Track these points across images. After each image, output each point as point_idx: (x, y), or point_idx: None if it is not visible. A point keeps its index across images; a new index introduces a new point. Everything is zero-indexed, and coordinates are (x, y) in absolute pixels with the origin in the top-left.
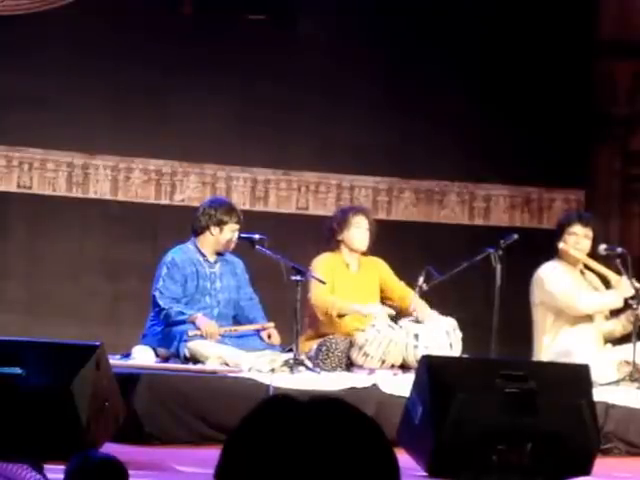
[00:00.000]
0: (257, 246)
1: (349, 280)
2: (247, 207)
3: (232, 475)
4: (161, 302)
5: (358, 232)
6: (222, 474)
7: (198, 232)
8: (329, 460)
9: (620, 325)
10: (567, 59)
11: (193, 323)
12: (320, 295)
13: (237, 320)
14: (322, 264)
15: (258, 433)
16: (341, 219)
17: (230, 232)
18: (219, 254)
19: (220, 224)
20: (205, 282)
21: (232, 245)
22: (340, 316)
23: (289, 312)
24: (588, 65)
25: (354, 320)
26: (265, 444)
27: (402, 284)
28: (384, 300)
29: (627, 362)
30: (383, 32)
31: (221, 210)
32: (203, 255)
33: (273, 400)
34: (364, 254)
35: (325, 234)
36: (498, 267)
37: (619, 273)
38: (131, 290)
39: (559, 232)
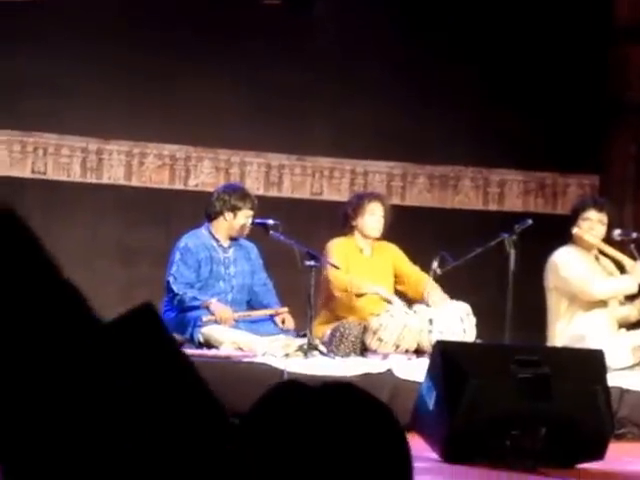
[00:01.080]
0: (271, 231)
1: (363, 264)
2: (261, 192)
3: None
4: (175, 287)
5: (372, 219)
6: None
7: (212, 217)
8: (340, 446)
9: (635, 310)
10: (582, 44)
11: (207, 308)
12: (338, 274)
13: (251, 305)
14: (335, 249)
15: (269, 418)
16: (356, 205)
17: (244, 218)
18: (233, 239)
19: (234, 210)
20: (219, 267)
21: (246, 231)
22: (358, 295)
23: (303, 297)
24: (603, 50)
25: (369, 304)
26: (276, 429)
27: (416, 269)
28: (397, 285)
29: None
30: (398, 17)
31: (235, 196)
32: (217, 240)
33: (284, 386)
34: (377, 239)
35: (340, 219)
36: (512, 252)
37: (634, 258)
38: (145, 275)
39: (573, 217)
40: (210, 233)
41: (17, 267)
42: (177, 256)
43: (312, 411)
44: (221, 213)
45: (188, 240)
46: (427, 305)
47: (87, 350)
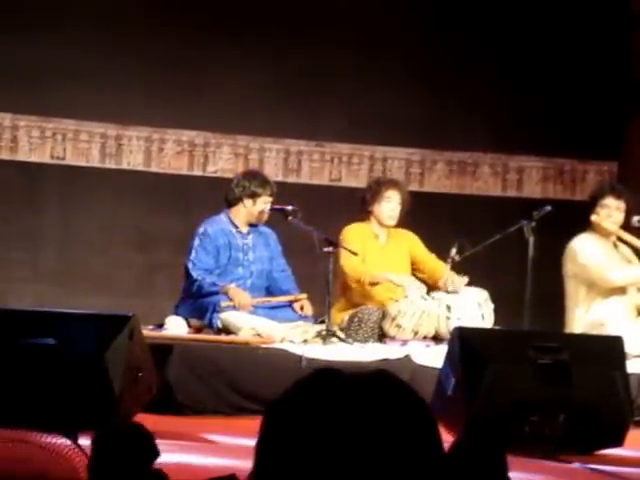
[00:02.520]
0: (290, 217)
1: (378, 251)
2: (280, 179)
3: (277, 446)
4: (194, 273)
5: (388, 206)
6: (266, 444)
7: (231, 203)
8: (374, 433)
9: None
10: (602, 30)
11: (226, 294)
12: (352, 263)
13: (270, 291)
14: (352, 234)
15: (304, 405)
16: (374, 191)
17: (263, 204)
18: (252, 225)
19: (253, 196)
20: (238, 253)
21: (265, 217)
22: (372, 284)
23: (321, 283)
24: (624, 36)
25: (387, 290)
26: (311, 417)
27: (433, 256)
28: (415, 273)
29: None
30: (419, 5)
31: (255, 182)
32: (236, 226)
33: (320, 373)
34: (394, 226)
35: (358, 203)
36: (531, 239)
37: None
38: (164, 261)
39: (591, 204)
40: (229, 219)
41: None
42: (196, 242)
43: (348, 398)
44: (240, 199)
45: (207, 226)
46: (445, 292)
47: None
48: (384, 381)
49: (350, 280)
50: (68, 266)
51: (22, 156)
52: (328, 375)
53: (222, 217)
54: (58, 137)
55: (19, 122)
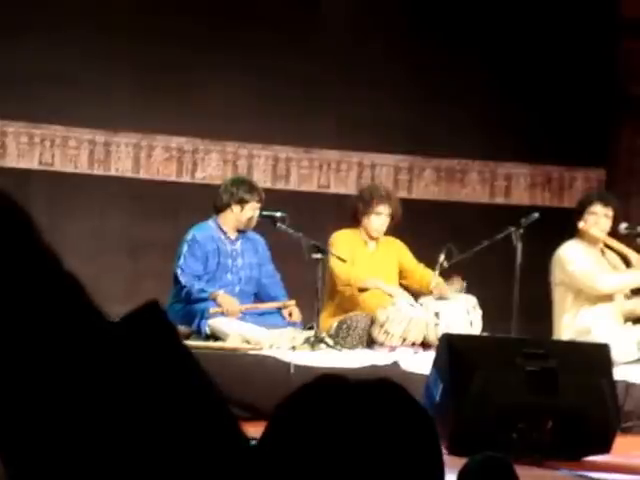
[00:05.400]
0: (278, 224)
1: (367, 257)
2: (268, 185)
3: (281, 451)
4: (182, 279)
5: (378, 220)
6: (270, 449)
7: (219, 209)
8: (378, 442)
9: None
10: (589, 38)
11: (214, 300)
12: (342, 265)
13: (258, 298)
14: (341, 240)
15: (307, 413)
16: (365, 203)
17: (251, 210)
18: (240, 231)
19: (241, 202)
20: (226, 259)
21: (253, 223)
22: (361, 290)
23: (310, 290)
24: (610, 44)
25: (375, 297)
26: (314, 423)
27: (421, 265)
28: (402, 281)
29: None
30: (406, 11)
31: (243, 188)
32: (224, 232)
33: (322, 380)
34: (383, 234)
35: (349, 210)
36: (519, 246)
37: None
38: (152, 268)
39: (579, 212)
40: (218, 225)
41: (15, 258)
42: (185, 248)
43: (350, 407)
44: (228, 205)
45: (196, 232)
46: (437, 297)
47: (90, 349)
48: (390, 390)
49: (339, 283)
50: None
51: (10, 162)
52: (332, 381)
53: (210, 223)
54: (46, 143)
55: (7, 128)
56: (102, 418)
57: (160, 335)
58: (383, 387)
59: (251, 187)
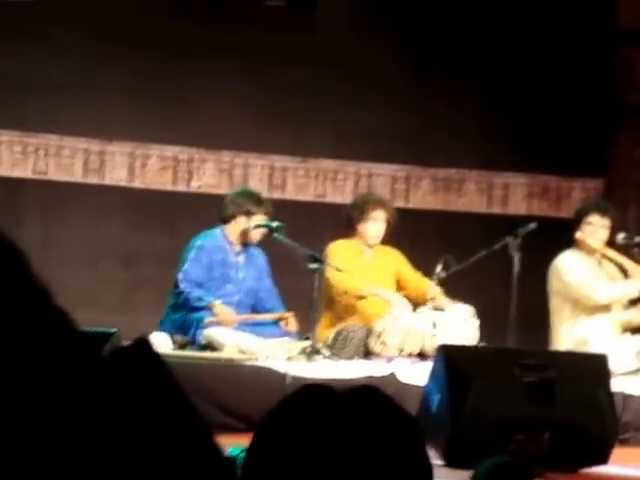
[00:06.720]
0: (275, 234)
1: (364, 267)
2: (265, 195)
3: (264, 463)
4: (182, 285)
5: (374, 227)
6: (253, 461)
7: (226, 220)
8: (362, 450)
9: (638, 314)
10: (586, 47)
11: (211, 310)
12: (339, 275)
13: (255, 309)
14: (338, 250)
15: (292, 422)
16: (360, 210)
17: (257, 223)
18: (244, 244)
19: (248, 214)
20: (229, 270)
21: (257, 237)
22: (359, 297)
23: (306, 300)
24: (607, 53)
25: (372, 306)
26: (298, 433)
27: (418, 274)
28: (400, 291)
29: None
30: (402, 18)
31: (251, 201)
32: (230, 243)
33: (308, 389)
34: (380, 243)
35: (344, 220)
36: (516, 256)
37: (637, 262)
38: (148, 277)
39: (576, 222)
40: (224, 235)
41: (5, 296)
42: (192, 254)
43: (336, 416)
44: (234, 217)
45: (205, 240)
46: (434, 307)
47: (76, 387)
48: (372, 397)
49: (336, 292)
50: (50, 282)
51: (4, 171)
52: (316, 391)
53: (217, 232)
54: (40, 152)
55: (1, 137)
56: (81, 453)
57: (147, 372)
58: (365, 394)
59: (259, 200)
